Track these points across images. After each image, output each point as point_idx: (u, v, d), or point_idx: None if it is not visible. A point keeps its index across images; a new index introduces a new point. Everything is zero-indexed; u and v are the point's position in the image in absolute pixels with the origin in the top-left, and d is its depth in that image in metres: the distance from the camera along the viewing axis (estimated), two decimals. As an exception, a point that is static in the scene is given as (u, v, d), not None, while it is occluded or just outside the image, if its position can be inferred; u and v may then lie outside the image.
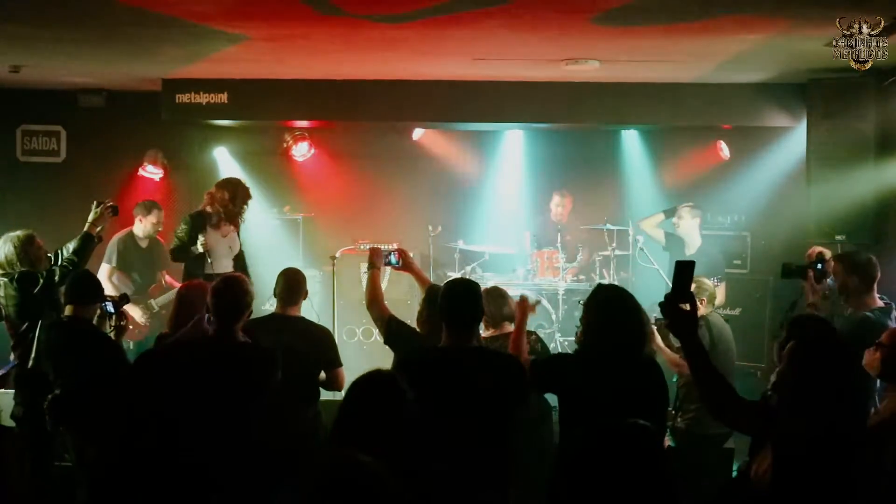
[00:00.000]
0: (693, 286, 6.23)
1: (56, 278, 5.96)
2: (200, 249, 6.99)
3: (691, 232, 8.05)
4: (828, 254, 5.70)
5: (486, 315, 5.14)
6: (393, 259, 5.66)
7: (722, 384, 3.25)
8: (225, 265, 7.07)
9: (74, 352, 5.24)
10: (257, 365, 4.51)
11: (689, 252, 8.00)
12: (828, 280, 5.60)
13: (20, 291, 5.86)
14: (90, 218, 6.33)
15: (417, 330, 5.11)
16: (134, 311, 7.62)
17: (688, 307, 3.25)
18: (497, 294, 5.42)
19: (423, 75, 8.14)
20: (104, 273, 7.57)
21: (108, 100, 8.96)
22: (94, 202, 6.41)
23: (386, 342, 5.10)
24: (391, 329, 5.04)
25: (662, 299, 3.27)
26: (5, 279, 5.89)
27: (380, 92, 8.34)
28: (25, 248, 5.93)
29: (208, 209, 7.18)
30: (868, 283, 5.37)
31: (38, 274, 5.94)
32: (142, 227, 7.84)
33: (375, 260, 5.45)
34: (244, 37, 6.33)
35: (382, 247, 5.70)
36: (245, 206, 7.30)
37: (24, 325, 5.89)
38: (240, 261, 7.30)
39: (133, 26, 6.06)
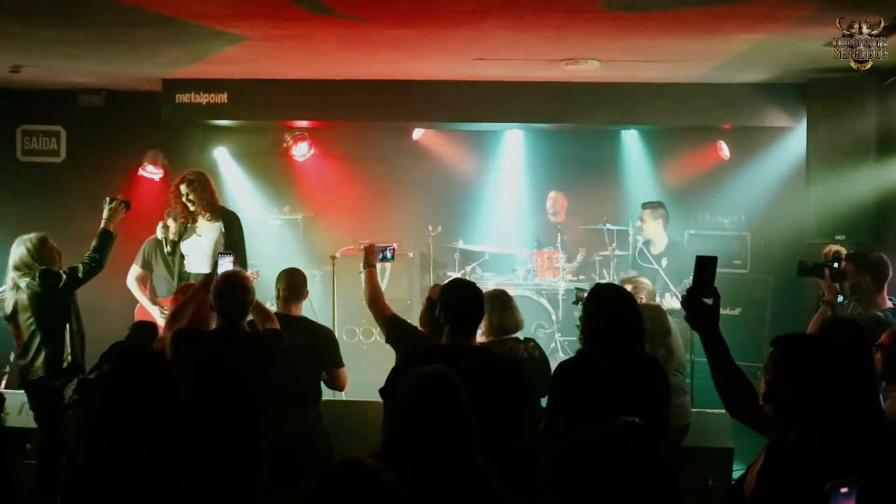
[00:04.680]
0: (630, 286, 6.26)
1: (80, 275, 5.98)
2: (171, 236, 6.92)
3: (656, 232, 8.09)
4: (844, 252, 5.68)
5: (491, 323, 5.09)
6: (389, 254, 5.69)
7: (743, 383, 3.19)
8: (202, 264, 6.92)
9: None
10: (263, 344, 4.77)
11: (655, 251, 8.01)
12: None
13: (44, 288, 5.86)
14: (105, 215, 6.29)
15: (419, 329, 5.11)
16: (154, 312, 7.58)
17: (710, 302, 3.22)
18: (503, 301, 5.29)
19: (423, 75, 8.14)
20: (132, 275, 7.53)
21: (108, 100, 8.96)
22: (107, 199, 6.36)
23: (387, 341, 5.10)
24: (392, 328, 5.04)
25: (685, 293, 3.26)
26: (27, 278, 5.90)
27: (380, 92, 8.34)
28: (39, 250, 5.95)
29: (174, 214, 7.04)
30: (880, 283, 5.34)
31: (61, 271, 5.96)
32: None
33: (371, 258, 5.46)
34: (244, 37, 6.33)
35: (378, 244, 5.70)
36: (194, 192, 6.96)
37: (51, 324, 5.92)
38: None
39: (133, 26, 6.06)
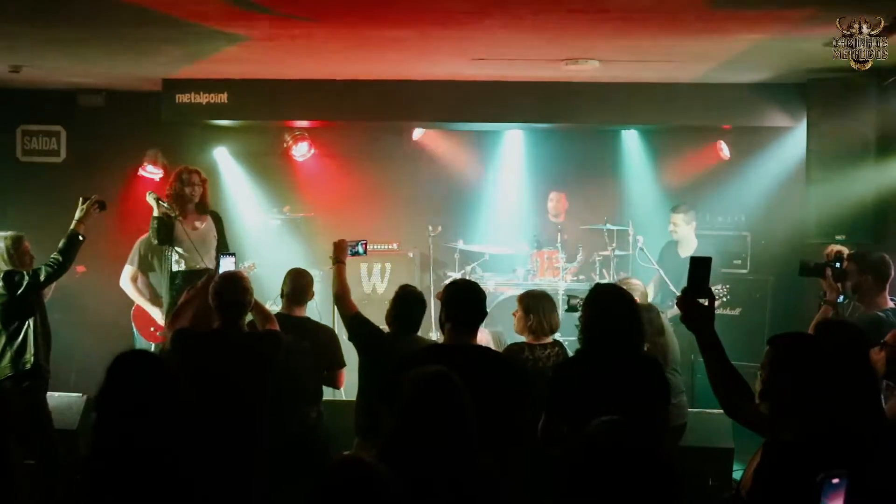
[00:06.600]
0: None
1: (42, 278, 5.98)
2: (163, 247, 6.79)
3: (688, 234, 8.07)
4: (846, 252, 5.68)
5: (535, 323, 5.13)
6: (360, 249, 5.69)
7: (739, 383, 3.20)
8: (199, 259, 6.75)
9: None
10: (261, 345, 4.81)
11: (685, 254, 8.00)
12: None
13: (7, 290, 5.89)
14: (77, 215, 6.25)
15: (382, 329, 5.15)
16: (154, 311, 7.56)
17: (705, 302, 3.23)
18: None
19: (423, 75, 8.14)
20: (126, 275, 7.45)
21: (108, 100, 8.96)
22: (81, 199, 6.32)
23: (349, 338, 5.16)
24: (355, 325, 5.12)
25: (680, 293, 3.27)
26: None
27: (380, 92, 8.34)
28: (10, 251, 5.98)
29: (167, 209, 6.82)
30: (881, 283, 5.33)
31: (25, 273, 5.96)
32: None
33: (340, 254, 5.47)
34: (244, 37, 6.33)
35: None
36: (195, 187, 6.86)
37: (14, 325, 5.92)
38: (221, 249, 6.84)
39: (133, 26, 6.06)
